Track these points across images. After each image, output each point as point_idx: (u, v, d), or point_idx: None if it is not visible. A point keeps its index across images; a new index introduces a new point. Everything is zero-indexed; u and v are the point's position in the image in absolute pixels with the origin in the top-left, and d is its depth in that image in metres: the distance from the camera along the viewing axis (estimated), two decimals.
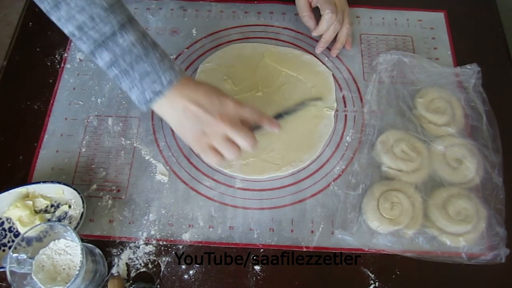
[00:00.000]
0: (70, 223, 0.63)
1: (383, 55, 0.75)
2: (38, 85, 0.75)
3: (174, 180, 0.67)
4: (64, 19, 0.53)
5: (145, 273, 0.61)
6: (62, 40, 0.79)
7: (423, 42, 0.80)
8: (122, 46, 0.53)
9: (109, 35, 0.53)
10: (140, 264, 0.62)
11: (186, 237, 0.63)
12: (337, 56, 0.78)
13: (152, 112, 0.72)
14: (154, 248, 0.63)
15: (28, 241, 0.55)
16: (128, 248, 0.63)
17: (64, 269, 0.54)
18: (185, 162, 0.69)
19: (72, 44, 0.79)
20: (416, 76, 0.74)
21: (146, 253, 0.62)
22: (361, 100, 0.74)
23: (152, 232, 0.64)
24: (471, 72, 0.73)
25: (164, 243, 0.63)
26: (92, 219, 0.65)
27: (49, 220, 0.63)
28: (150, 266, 0.62)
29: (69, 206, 0.64)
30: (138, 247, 0.63)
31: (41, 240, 0.56)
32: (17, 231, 0.63)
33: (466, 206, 0.63)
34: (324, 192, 0.67)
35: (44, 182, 0.64)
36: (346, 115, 0.73)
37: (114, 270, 0.61)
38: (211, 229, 0.64)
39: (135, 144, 0.70)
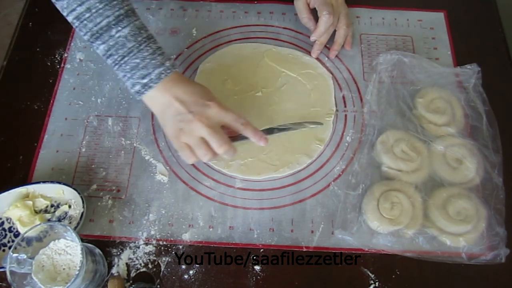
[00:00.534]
0: (70, 223, 0.63)
1: (383, 55, 0.75)
2: (38, 85, 0.75)
3: (174, 180, 0.67)
4: (65, 9, 0.57)
5: (145, 273, 0.61)
6: (62, 40, 0.79)
7: (423, 42, 0.80)
8: (116, 39, 0.56)
9: (104, 27, 0.56)
10: (140, 264, 0.62)
11: (186, 237, 0.63)
12: (337, 56, 0.78)
13: (152, 112, 0.72)
14: (154, 248, 0.63)
15: (28, 241, 0.55)
16: (128, 248, 0.63)
17: (64, 269, 0.54)
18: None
19: (72, 44, 0.79)
20: (416, 76, 0.74)
21: (146, 253, 0.62)
22: (361, 100, 0.74)
23: (152, 232, 0.64)
24: (471, 72, 0.73)
25: (164, 243, 0.63)
26: (92, 219, 0.65)
27: (49, 220, 0.63)
28: (150, 266, 0.62)
29: (69, 206, 0.64)
30: (138, 247, 0.63)
31: (41, 240, 0.56)
32: (17, 231, 0.63)
33: (466, 206, 0.63)
34: (324, 192, 0.67)
35: (44, 182, 0.64)
36: (346, 115, 0.73)
37: (114, 270, 0.61)
38: (211, 229, 0.64)
39: (135, 144, 0.70)
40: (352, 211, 0.65)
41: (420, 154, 0.67)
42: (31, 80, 0.76)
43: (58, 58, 0.77)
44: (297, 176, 0.68)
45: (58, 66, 0.77)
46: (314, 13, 0.76)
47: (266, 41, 0.80)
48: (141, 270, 0.62)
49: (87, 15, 0.56)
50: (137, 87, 0.58)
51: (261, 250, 0.63)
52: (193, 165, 0.68)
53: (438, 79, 0.73)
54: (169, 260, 0.62)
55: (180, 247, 0.63)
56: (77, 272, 0.51)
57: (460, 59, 0.78)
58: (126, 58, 0.57)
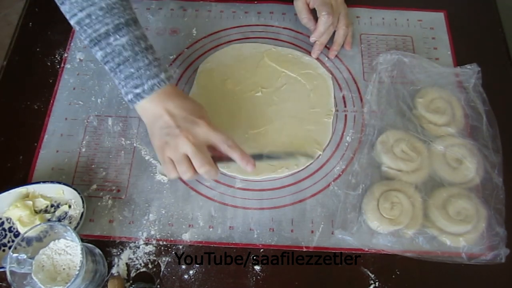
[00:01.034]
0: (70, 223, 0.63)
1: (383, 55, 0.75)
2: (38, 85, 0.75)
3: (174, 180, 0.67)
4: (67, 13, 0.59)
5: (145, 273, 0.61)
6: (62, 40, 0.79)
7: (423, 42, 0.80)
8: (113, 46, 0.57)
9: (102, 34, 0.56)
10: (140, 264, 0.62)
11: (186, 237, 0.63)
12: (337, 56, 0.78)
13: None
14: (154, 248, 0.63)
15: (28, 241, 0.55)
16: (128, 248, 0.63)
17: (64, 269, 0.54)
18: None
19: (72, 44, 0.79)
20: (416, 76, 0.74)
21: (146, 253, 0.62)
22: (361, 100, 0.74)
23: (152, 232, 0.64)
24: (471, 72, 0.73)
25: (164, 243, 0.63)
26: (92, 219, 0.65)
27: (49, 220, 0.63)
28: (150, 266, 0.62)
29: (69, 206, 0.64)
30: (138, 247, 0.63)
31: (41, 240, 0.56)
32: (17, 231, 0.63)
33: (466, 206, 0.63)
34: (324, 192, 0.67)
35: (44, 182, 0.64)
36: (346, 115, 0.73)
37: (114, 270, 0.61)
38: (211, 229, 0.64)
39: (135, 144, 0.70)
40: (352, 211, 0.65)
41: (420, 154, 0.67)
42: (31, 80, 0.76)
43: (58, 58, 0.78)
44: (297, 176, 0.68)
45: (58, 66, 0.77)
46: (314, 13, 0.76)
47: (266, 41, 0.80)
48: (141, 270, 0.62)
49: (87, 21, 0.57)
50: (130, 96, 0.58)
51: (261, 250, 0.63)
52: None
53: (438, 79, 0.73)
54: (169, 260, 0.62)
55: (180, 247, 0.63)
56: (77, 272, 0.51)
57: (460, 59, 0.78)
58: (121, 67, 0.57)
